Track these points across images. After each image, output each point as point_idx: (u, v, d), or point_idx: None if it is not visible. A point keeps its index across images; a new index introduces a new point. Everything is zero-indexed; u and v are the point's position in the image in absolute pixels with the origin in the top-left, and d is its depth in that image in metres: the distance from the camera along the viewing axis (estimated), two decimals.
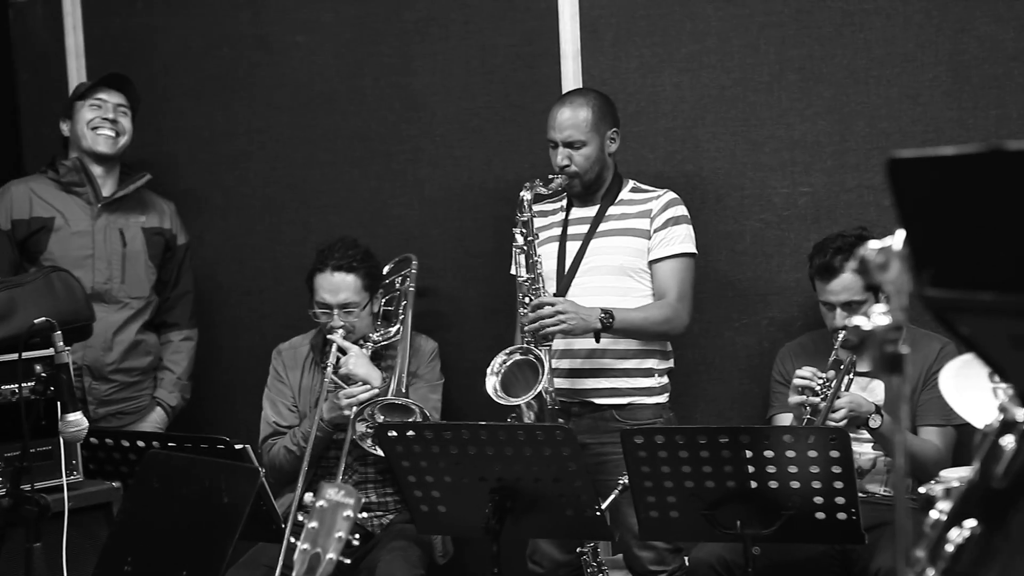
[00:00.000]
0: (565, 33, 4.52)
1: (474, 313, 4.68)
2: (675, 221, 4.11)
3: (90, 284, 4.40)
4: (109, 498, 3.53)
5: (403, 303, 4.42)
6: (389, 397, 4.08)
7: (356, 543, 2.40)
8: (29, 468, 2.96)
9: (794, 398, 3.76)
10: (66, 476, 3.32)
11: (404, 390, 4.14)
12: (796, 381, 3.76)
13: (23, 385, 3.13)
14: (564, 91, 4.47)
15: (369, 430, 4.04)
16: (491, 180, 4.64)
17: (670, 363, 4.17)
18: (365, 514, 4.22)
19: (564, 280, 4.09)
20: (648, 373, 4.10)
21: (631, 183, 4.20)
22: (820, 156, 4.32)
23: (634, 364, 4.08)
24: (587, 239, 4.12)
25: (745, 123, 4.39)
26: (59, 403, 3.02)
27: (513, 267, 4.08)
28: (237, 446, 3.58)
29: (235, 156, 4.99)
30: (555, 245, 4.14)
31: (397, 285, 4.50)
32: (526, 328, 3.96)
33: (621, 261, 4.09)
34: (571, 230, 4.16)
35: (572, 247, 4.13)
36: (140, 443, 3.77)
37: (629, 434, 3.41)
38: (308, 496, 2.40)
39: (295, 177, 4.92)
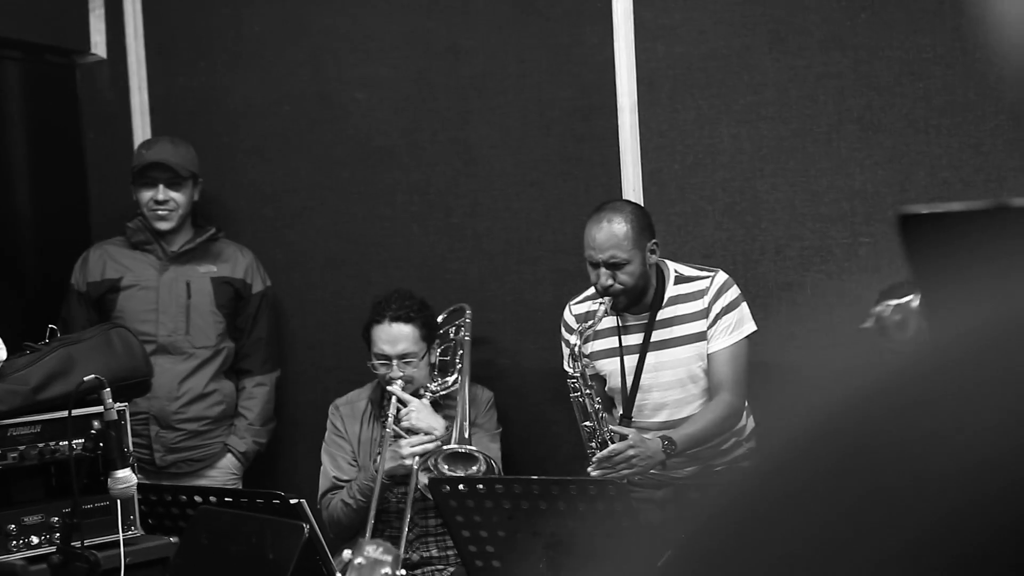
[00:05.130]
0: (622, 86, 4.52)
1: (532, 366, 4.67)
2: (727, 308, 4.03)
3: (156, 337, 4.52)
4: (166, 553, 3.54)
5: (459, 352, 4.43)
6: (453, 445, 4.08)
7: None
8: (79, 525, 2.98)
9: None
10: (122, 532, 3.34)
11: (467, 438, 4.14)
12: None
13: (74, 442, 3.16)
14: (620, 143, 4.47)
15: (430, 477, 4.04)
16: (549, 233, 4.64)
17: (749, 421, 4.11)
18: (427, 568, 4.23)
19: (628, 400, 4.07)
20: (736, 445, 4.08)
21: (673, 272, 4.10)
22: (880, 207, 4.28)
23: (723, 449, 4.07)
24: (642, 353, 4.06)
25: (804, 174, 4.36)
26: (106, 460, 3.05)
27: (566, 364, 4.07)
28: (292, 501, 3.58)
29: (297, 212, 5.04)
30: (616, 360, 4.10)
31: (451, 335, 4.51)
32: (593, 474, 3.90)
33: (682, 374, 4.04)
34: (626, 341, 4.10)
35: (630, 362, 4.07)
36: (197, 498, 3.79)
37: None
38: (346, 552, 2.40)
39: (355, 232, 4.95)
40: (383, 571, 2.38)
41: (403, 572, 2.43)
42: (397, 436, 4.18)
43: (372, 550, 2.38)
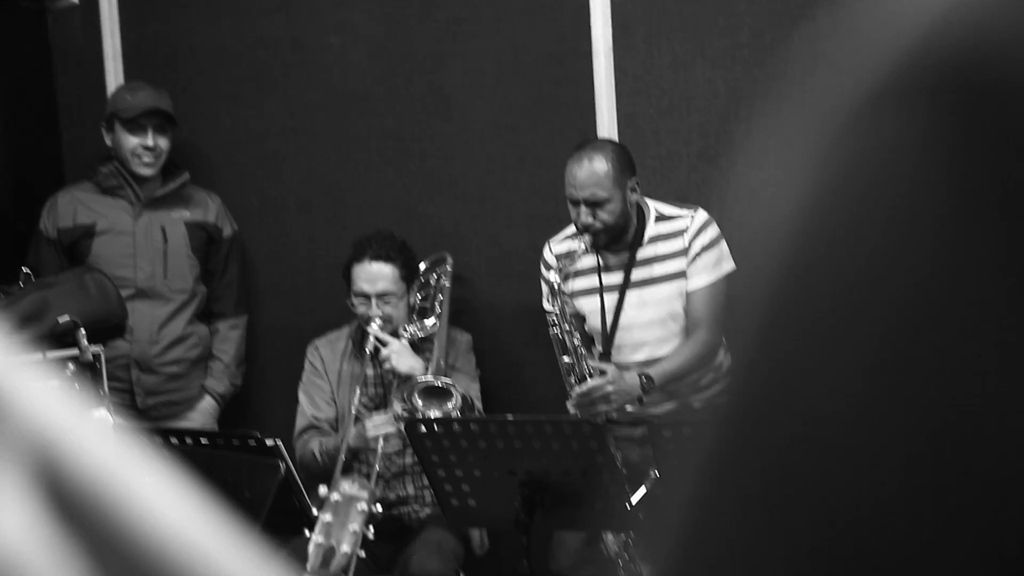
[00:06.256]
0: (597, 30, 4.52)
1: (508, 310, 4.69)
2: (707, 247, 4.05)
3: (134, 282, 4.53)
4: None
5: (439, 298, 4.46)
6: (428, 378, 4.10)
7: (371, 537, 2.42)
8: None
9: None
10: None
11: (443, 372, 4.18)
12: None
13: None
14: (596, 87, 4.47)
15: (406, 412, 4.06)
16: (524, 177, 4.65)
17: (726, 358, 4.11)
18: (403, 507, 4.27)
19: (607, 339, 4.09)
20: (714, 381, 4.09)
21: (653, 211, 4.11)
22: None
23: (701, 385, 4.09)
24: (622, 292, 4.09)
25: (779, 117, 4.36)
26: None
27: (545, 302, 4.11)
28: (268, 442, 3.60)
29: (270, 157, 5.03)
30: (596, 299, 4.12)
31: (432, 282, 4.53)
32: (572, 409, 3.95)
33: (662, 313, 4.07)
34: (606, 280, 4.12)
35: (610, 300, 4.10)
36: (174, 439, 3.81)
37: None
38: (322, 489, 2.42)
39: (330, 177, 4.95)
40: (359, 507, 2.40)
41: (379, 507, 2.46)
42: (360, 417, 4.21)
43: (348, 487, 2.40)
